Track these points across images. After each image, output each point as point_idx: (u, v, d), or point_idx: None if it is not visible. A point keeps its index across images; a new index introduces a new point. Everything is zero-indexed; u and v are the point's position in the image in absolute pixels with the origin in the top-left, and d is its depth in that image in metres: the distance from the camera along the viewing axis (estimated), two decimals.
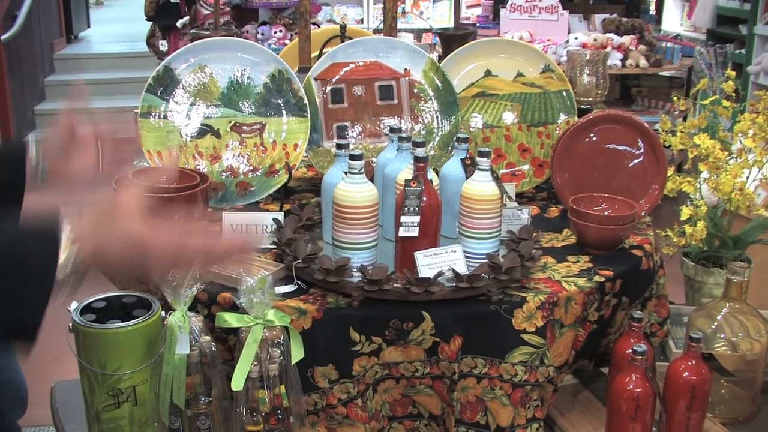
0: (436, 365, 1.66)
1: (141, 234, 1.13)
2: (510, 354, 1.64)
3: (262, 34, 6.20)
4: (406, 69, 2.21)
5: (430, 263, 1.64)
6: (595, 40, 5.11)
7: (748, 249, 2.30)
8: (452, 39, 2.74)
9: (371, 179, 1.74)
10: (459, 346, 1.63)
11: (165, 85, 2.10)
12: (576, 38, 5.15)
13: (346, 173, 1.68)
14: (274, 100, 2.15)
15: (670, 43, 5.56)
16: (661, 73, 5.72)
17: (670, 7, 7.87)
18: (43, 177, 1.52)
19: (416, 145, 1.72)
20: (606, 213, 1.95)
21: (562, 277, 1.76)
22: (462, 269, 1.65)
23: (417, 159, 1.67)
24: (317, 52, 2.50)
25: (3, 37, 6.36)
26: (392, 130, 1.93)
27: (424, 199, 1.65)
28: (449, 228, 1.83)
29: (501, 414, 1.65)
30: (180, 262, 1.19)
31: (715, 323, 1.91)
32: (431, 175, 1.73)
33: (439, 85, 2.22)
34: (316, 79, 2.18)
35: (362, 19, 7.84)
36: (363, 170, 1.66)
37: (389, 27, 2.49)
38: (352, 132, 2.20)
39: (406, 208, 1.65)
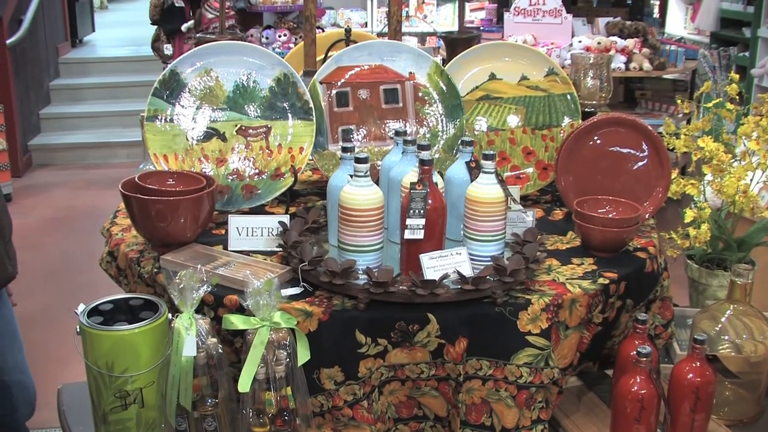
0: (442, 367, 1.67)
1: None
2: (515, 356, 1.65)
3: (267, 38, 6.22)
4: (410, 72, 2.22)
5: (435, 265, 1.65)
6: (598, 43, 5.11)
7: (751, 251, 2.31)
8: (456, 42, 2.75)
9: (376, 182, 1.74)
10: (464, 348, 1.64)
11: (171, 88, 2.11)
12: (580, 41, 5.15)
13: (351, 176, 1.69)
14: (279, 103, 2.16)
15: (674, 46, 5.56)
16: (665, 76, 5.72)
17: (673, 10, 7.87)
18: None
19: (421, 148, 1.72)
20: (610, 215, 1.95)
21: (567, 279, 1.77)
22: (467, 271, 1.65)
23: (422, 162, 1.68)
24: (322, 56, 2.51)
25: (9, 41, 6.39)
26: (397, 133, 1.94)
27: (429, 201, 1.66)
28: (454, 230, 1.83)
29: (506, 415, 1.66)
30: None
31: (719, 325, 1.91)
32: (436, 178, 1.73)
33: (444, 88, 2.23)
34: (321, 83, 2.19)
35: (366, 23, 7.85)
36: (368, 173, 1.67)
37: (394, 31, 2.49)
38: (358, 135, 2.21)
39: (411, 211, 1.65)
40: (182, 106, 2.12)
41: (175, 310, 1.63)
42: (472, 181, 1.78)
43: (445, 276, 1.63)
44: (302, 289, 1.70)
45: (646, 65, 5.15)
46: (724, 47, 6.80)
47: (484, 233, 1.73)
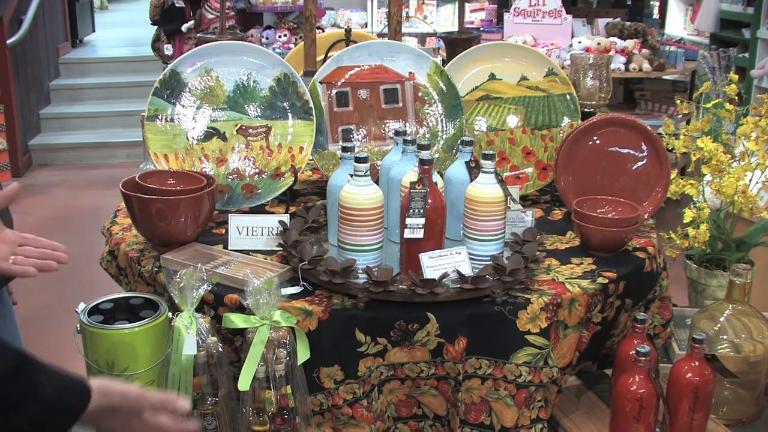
0: (441, 366, 1.67)
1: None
2: (514, 355, 1.65)
3: (267, 38, 6.22)
4: (410, 72, 2.23)
5: (435, 265, 1.65)
6: (598, 44, 5.11)
7: (750, 251, 2.31)
8: (456, 43, 2.75)
9: (376, 182, 1.75)
10: (464, 347, 1.64)
11: (172, 88, 2.12)
12: (579, 42, 5.15)
13: (351, 176, 1.70)
14: (279, 103, 2.16)
15: (674, 47, 5.56)
16: (665, 77, 5.73)
17: (673, 10, 7.87)
18: None
19: (421, 147, 1.73)
20: (609, 215, 1.96)
21: (566, 278, 1.77)
22: (467, 271, 1.66)
23: (422, 162, 1.68)
24: (322, 56, 2.52)
25: (9, 41, 6.39)
26: (397, 133, 1.95)
27: (429, 201, 1.66)
28: (454, 230, 1.84)
29: (505, 414, 1.66)
30: None
31: (718, 325, 1.91)
32: (436, 177, 1.74)
33: (444, 88, 2.23)
34: (321, 83, 2.19)
35: (366, 23, 7.86)
36: (368, 173, 1.68)
37: (394, 31, 2.50)
38: (358, 135, 2.21)
39: (411, 210, 1.66)
40: (183, 106, 2.12)
41: (175, 309, 1.64)
42: (471, 180, 1.78)
43: (445, 275, 1.64)
44: (302, 288, 1.71)
45: (646, 66, 5.15)
46: (724, 48, 6.80)
47: (483, 233, 1.74)
